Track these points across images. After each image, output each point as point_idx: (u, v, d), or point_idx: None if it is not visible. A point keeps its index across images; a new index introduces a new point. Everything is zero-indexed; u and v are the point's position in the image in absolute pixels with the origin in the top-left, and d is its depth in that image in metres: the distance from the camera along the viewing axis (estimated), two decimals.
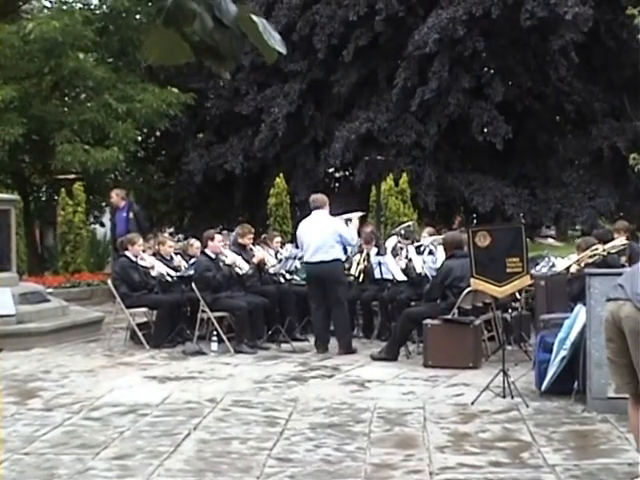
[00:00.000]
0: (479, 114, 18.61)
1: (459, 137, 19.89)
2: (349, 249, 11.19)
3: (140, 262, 10.98)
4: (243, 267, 10.95)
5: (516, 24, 17.56)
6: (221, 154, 20.50)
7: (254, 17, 2.38)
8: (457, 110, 18.45)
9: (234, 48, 2.36)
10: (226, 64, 2.43)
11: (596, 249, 9.12)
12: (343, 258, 10.69)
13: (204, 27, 2.29)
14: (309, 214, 10.61)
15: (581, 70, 19.22)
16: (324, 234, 10.13)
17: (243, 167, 20.25)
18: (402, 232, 11.96)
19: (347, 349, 10.10)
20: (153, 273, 10.95)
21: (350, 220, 10.97)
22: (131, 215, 14.17)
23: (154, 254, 11.57)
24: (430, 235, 11.97)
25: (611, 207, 19.46)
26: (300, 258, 11.26)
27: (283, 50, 2.44)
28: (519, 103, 19.58)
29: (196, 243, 11.90)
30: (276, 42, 2.40)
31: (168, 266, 11.18)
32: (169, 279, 11.02)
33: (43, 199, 20.71)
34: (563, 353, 7.39)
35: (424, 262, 10.71)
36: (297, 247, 11.69)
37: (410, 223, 13.44)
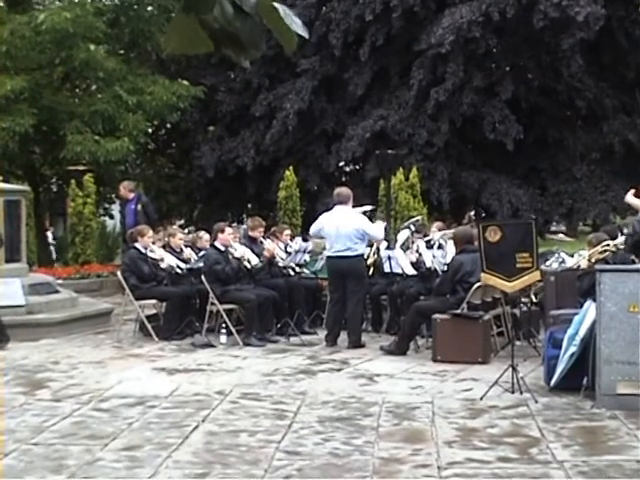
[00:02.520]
0: (491, 112, 18.57)
1: (470, 134, 19.84)
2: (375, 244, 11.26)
3: (150, 254, 10.99)
4: (252, 260, 10.95)
5: (529, 22, 17.48)
6: (233, 148, 20.51)
7: (275, 4, 2.33)
8: (470, 109, 18.41)
9: (255, 36, 2.31)
10: (247, 53, 2.38)
11: (607, 245, 9.09)
12: (366, 253, 10.70)
13: (224, 14, 2.25)
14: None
15: (592, 66, 19.14)
16: (349, 230, 10.07)
17: (255, 161, 20.26)
18: (412, 227, 11.92)
19: (356, 344, 10.09)
20: (163, 265, 10.96)
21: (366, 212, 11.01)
22: (139, 207, 14.15)
23: (164, 246, 11.58)
24: (439, 230, 11.94)
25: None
26: (310, 251, 11.25)
27: (306, 34, 2.40)
28: (529, 100, 19.52)
29: (205, 236, 11.89)
30: (298, 27, 2.36)
31: (178, 258, 11.19)
32: (179, 271, 11.02)
33: (53, 190, 20.76)
34: (572, 349, 7.37)
35: (434, 256, 10.68)
36: (306, 240, 11.66)
37: (419, 217, 13.40)
